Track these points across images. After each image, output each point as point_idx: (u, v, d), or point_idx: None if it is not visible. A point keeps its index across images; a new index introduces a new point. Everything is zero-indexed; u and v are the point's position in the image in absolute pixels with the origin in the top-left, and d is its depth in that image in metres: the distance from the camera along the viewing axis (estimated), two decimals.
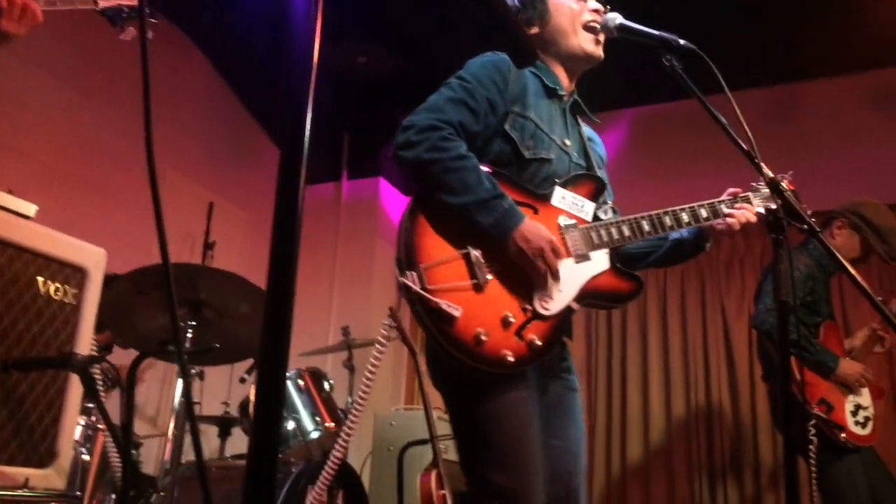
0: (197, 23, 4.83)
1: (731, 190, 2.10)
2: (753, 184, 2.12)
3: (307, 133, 0.79)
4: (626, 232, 1.96)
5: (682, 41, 1.77)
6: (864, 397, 3.36)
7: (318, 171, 6.23)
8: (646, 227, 1.97)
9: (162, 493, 2.85)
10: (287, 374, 3.49)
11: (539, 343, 1.78)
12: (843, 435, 3.19)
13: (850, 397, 3.32)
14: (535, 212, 1.90)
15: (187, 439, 4.39)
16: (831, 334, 3.42)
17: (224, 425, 3.93)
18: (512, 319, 1.77)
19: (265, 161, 5.66)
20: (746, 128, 1.68)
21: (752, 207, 2.06)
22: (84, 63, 4.23)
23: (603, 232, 1.95)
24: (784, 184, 1.80)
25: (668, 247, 2.13)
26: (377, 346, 1.85)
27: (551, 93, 2.06)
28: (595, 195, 2.01)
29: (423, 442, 3.48)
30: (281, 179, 0.77)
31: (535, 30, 2.07)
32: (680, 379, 5.20)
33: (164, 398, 4.66)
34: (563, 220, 1.93)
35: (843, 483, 3.16)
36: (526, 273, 1.81)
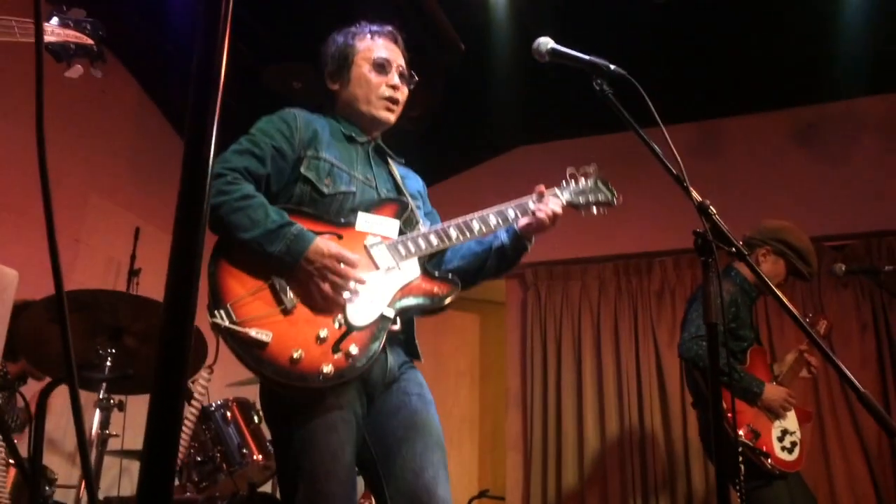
0: (125, 43, 4.71)
1: (538, 188, 2.17)
2: (563, 181, 2.22)
3: (211, 150, 0.75)
4: (434, 241, 2.04)
5: (612, 66, 1.79)
6: (791, 422, 3.40)
7: None
8: (453, 233, 2.06)
9: None
10: (214, 405, 3.40)
11: (357, 353, 1.83)
12: (770, 461, 3.21)
13: (777, 423, 3.36)
14: (340, 238, 1.96)
15: (109, 475, 4.20)
16: (758, 359, 3.47)
17: None
18: (325, 335, 1.82)
19: None
20: (675, 153, 1.70)
21: (560, 200, 2.16)
22: (1, 80, 4.07)
23: (410, 244, 2.03)
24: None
25: (494, 256, 2.20)
26: (192, 403, 1.88)
27: (350, 138, 2.15)
28: (399, 214, 2.08)
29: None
30: (182, 194, 0.73)
31: (335, 86, 2.22)
32: (614, 407, 5.24)
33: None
34: (369, 241, 2.01)
35: None
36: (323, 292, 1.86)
